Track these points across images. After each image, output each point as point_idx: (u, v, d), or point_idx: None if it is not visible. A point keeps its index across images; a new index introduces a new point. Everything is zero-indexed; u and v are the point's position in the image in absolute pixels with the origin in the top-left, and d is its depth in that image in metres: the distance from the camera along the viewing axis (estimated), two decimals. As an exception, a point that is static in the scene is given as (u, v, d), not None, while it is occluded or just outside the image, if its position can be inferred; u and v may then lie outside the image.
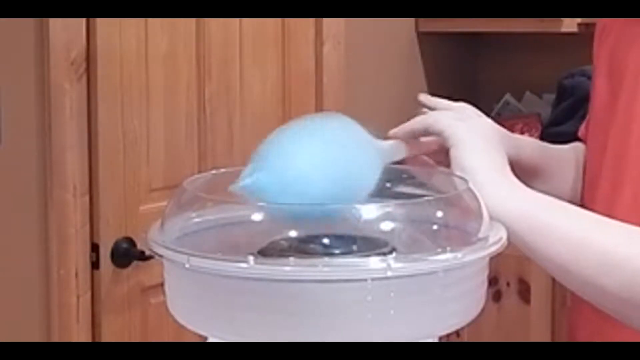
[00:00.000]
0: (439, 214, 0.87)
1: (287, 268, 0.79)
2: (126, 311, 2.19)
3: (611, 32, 1.21)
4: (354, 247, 0.82)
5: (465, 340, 2.56)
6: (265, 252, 0.83)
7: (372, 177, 0.93)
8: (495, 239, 0.86)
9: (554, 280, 2.67)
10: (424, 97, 1.16)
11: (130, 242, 2.17)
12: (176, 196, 0.89)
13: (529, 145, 1.20)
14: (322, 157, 0.88)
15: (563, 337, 2.66)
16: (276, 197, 0.85)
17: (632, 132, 1.12)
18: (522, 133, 2.94)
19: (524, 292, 2.71)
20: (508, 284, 2.72)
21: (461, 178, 0.95)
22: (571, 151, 1.30)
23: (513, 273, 2.71)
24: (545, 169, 1.22)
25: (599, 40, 1.25)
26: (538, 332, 2.69)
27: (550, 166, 1.23)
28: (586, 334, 1.20)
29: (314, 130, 0.92)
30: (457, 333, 2.97)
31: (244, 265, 0.78)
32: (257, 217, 0.86)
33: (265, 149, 0.89)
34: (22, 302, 2.08)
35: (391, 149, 1.06)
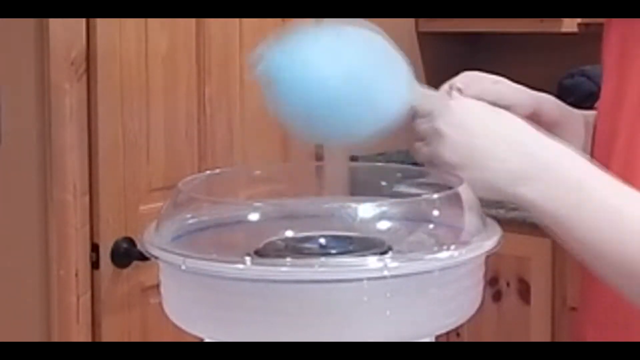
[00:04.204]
0: (435, 212, 0.87)
1: (284, 268, 0.79)
2: (126, 311, 2.19)
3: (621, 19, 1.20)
4: (351, 247, 0.82)
5: (465, 340, 2.55)
6: (261, 253, 0.83)
7: (397, 102, 0.95)
8: (491, 237, 0.86)
9: (554, 280, 2.69)
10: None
11: (130, 242, 2.16)
12: (171, 197, 0.89)
13: (548, 100, 1.20)
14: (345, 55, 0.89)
15: (563, 337, 2.65)
16: (290, 90, 0.86)
17: None
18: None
19: (524, 292, 2.71)
20: (508, 284, 2.71)
21: (457, 177, 0.95)
22: (580, 114, 1.29)
23: (513, 273, 2.70)
24: (565, 126, 1.21)
25: (609, 23, 1.23)
26: (538, 332, 2.69)
27: (569, 124, 1.22)
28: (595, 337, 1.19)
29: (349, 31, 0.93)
30: (457, 333, 2.95)
31: (240, 266, 0.78)
32: (253, 217, 0.86)
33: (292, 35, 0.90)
34: (22, 302, 2.07)
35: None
